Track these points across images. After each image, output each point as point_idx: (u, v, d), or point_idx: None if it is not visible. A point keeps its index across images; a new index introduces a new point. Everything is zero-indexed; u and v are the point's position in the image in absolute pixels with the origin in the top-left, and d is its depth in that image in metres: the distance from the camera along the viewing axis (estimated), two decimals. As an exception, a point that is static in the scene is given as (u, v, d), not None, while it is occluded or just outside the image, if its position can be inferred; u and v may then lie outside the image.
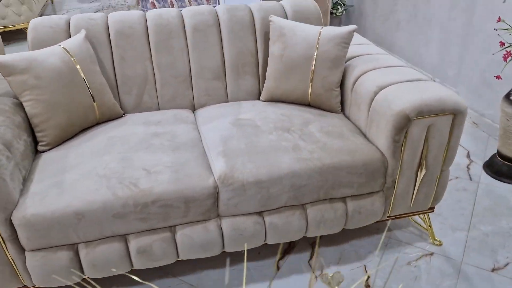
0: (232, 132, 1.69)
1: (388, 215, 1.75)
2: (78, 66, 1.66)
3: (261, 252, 1.84)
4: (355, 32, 1.90)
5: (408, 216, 1.81)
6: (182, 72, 1.93)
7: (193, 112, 1.97)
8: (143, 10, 4.63)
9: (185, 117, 1.86)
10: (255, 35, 1.99)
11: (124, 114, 1.88)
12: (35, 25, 1.79)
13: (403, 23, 3.39)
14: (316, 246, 1.87)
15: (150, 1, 4.67)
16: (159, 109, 1.96)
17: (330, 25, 4.27)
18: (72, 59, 1.66)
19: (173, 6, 4.85)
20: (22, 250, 1.39)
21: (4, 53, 3.48)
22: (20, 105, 1.61)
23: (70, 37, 1.81)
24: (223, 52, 1.97)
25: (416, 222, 1.98)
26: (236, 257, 1.82)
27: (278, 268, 1.77)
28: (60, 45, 1.67)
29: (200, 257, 1.60)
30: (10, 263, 1.39)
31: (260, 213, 1.58)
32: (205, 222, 1.53)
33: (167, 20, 1.90)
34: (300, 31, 1.86)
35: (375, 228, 1.97)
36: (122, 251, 1.47)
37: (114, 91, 1.87)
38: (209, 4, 4.98)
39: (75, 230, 1.38)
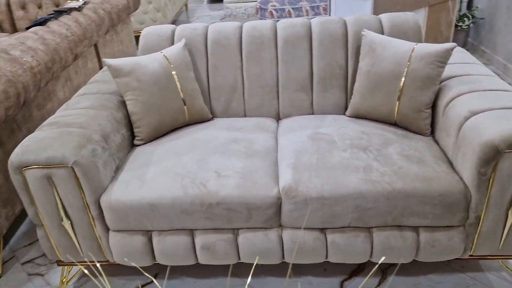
0: (306, 146, 1.70)
1: (471, 254, 1.58)
2: (173, 72, 1.84)
3: (327, 269, 1.81)
4: (465, 50, 1.76)
5: (497, 258, 1.61)
6: (270, 83, 2.00)
7: (277, 121, 2.02)
8: (261, 19, 4.84)
9: (267, 126, 1.92)
10: (346, 48, 1.97)
11: (212, 118, 2.02)
12: (146, 33, 2.03)
13: (537, 39, 2.98)
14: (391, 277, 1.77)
15: (268, 10, 4.87)
16: (245, 116, 2.06)
17: (454, 39, 3.95)
18: (170, 65, 1.84)
19: (290, 16, 4.98)
20: (107, 229, 1.60)
21: (136, 55, 3.97)
22: (123, 103, 1.85)
23: (173, 44, 2.01)
24: (311, 64, 1.98)
25: (507, 268, 1.74)
26: (301, 269, 1.82)
27: (340, 288, 1.73)
28: (161, 52, 1.87)
29: (260, 263, 1.64)
30: (97, 239, 1.61)
31: (322, 230, 1.57)
32: (266, 230, 1.57)
33: (260, 32, 1.99)
34: (391, 46, 1.78)
35: (460, 266, 1.78)
36: (189, 244, 1.59)
37: (206, 97, 2.03)
38: (326, 14, 4.99)
39: (149, 219, 1.54)
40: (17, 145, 2.00)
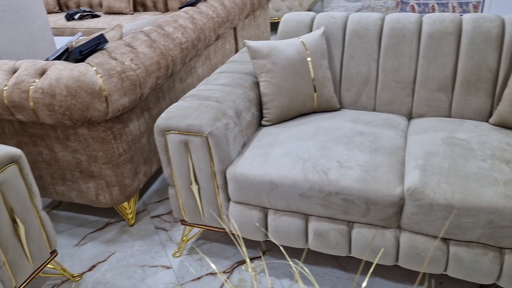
0: (439, 149, 1.59)
1: None
2: (308, 59, 1.86)
3: (442, 283, 1.69)
4: None
5: None
6: (406, 78, 1.90)
7: (408, 120, 1.93)
8: (403, 11, 4.59)
9: (397, 124, 1.84)
10: (501, 50, 1.77)
11: (340, 108, 2.01)
12: (286, 18, 2.09)
13: None
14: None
15: (410, 4, 4.61)
16: (374, 111, 2.00)
17: None
18: (306, 51, 1.87)
19: (433, 11, 4.64)
20: (228, 199, 1.71)
21: (268, 39, 4.10)
22: (257, 84, 1.93)
23: (310, 31, 2.03)
24: (456, 64, 1.83)
25: None
26: (413, 276, 1.73)
27: (454, 307, 1.60)
28: (299, 38, 1.90)
29: (371, 261, 1.60)
30: (218, 207, 1.73)
31: (445, 240, 1.46)
32: (383, 229, 1.52)
33: (403, 25, 1.89)
34: (559, 51, 1.56)
35: None
36: (302, 228, 1.62)
37: (336, 86, 2.01)
38: (476, 11, 4.54)
39: (268, 197, 1.61)
40: (161, 111, 2.23)
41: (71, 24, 4.07)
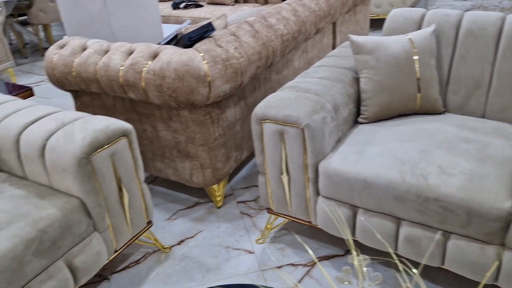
0: (559, 165, 1.43)
1: None
2: (415, 57, 1.78)
3: (545, 313, 1.53)
4: None
5: None
6: (525, 85, 1.73)
7: (522, 130, 1.76)
8: (517, 14, 4.18)
9: (509, 133, 1.69)
10: None
11: (444, 111, 1.89)
12: (393, 14, 2.01)
13: None
14: None
15: (529, 4, 4.17)
16: (483, 117, 1.85)
17: None
18: (413, 49, 1.78)
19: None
20: (317, 193, 1.70)
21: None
22: (357, 80, 1.89)
23: (419, 29, 1.93)
24: None
25: None
26: (509, 301, 1.59)
27: None
28: (407, 35, 1.82)
29: (466, 276, 1.50)
30: (306, 200, 1.73)
31: (557, 266, 1.32)
32: (484, 244, 1.41)
33: (529, 26, 1.72)
34: None
35: None
36: (392, 231, 1.56)
37: (442, 88, 1.90)
38: None
39: (359, 195, 1.57)
40: (256, 100, 2.28)
41: (176, 12, 4.31)
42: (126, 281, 1.84)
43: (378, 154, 1.59)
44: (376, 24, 5.10)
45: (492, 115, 1.83)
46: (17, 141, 1.65)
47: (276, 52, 2.17)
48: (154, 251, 1.99)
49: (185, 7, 4.42)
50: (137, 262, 1.94)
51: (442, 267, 1.54)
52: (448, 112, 1.90)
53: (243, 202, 2.27)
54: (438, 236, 1.47)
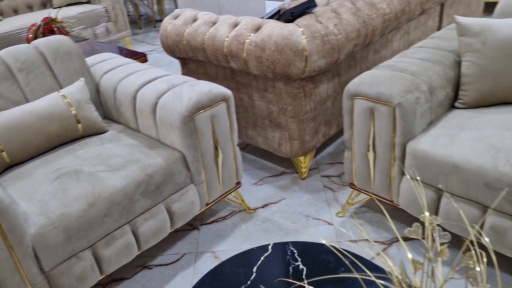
0: None
1: None
2: (528, 42, 1.67)
3: None
4: None
5: None
6: None
7: None
8: None
9: None
10: None
11: (554, 103, 1.76)
12: (509, -4, 1.88)
13: None
14: None
15: None
16: None
17: None
18: (526, 34, 1.67)
19: None
20: (402, 173, 1.71)
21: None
22: (458, 63, 1.83)
23: (537, 13, 1.80)
24: None
25: None
26: None
27: None
28: (521, 19, 1.71)
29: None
30: (390, 178, 1.75)
31: None
32: None
33: None
34: None
35: None
36: (477, 219, 1.53)
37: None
38: None
39: (446, 179, 1.56)
40: (350, 79, 2.31)
41: (279, -10, 4.40)
42: (213, 233, 2.04)
43: (471, 140, 1.55)
44: (491, 8, 4.70)
45: None
46: (134, 98, 1.90)
47: (376, 32, 2.17)
48: (240, 210, 2.16)
49: (289, -15, 4.48)
50: (224, 218, 2.13)
51: (529, 262, 1.48)
52: (560, 104, 1.77)
53: (327, 176, 2.34)
54: (528, 229, 1.41)
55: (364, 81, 1.70)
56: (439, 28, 3.10)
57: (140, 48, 4.81)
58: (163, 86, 1.83)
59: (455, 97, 1.85)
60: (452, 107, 1.84)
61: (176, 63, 4.18)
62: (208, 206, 1.92)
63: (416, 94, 1.62)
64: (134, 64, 2.12)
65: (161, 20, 5.85)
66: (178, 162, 1.74)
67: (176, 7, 6.20)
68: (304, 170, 2.31)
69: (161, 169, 1.69)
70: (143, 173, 1.65)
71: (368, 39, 2.15)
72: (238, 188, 2.02)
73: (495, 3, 4.68)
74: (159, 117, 1.78)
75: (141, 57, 2.79)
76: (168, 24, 2.38)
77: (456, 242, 1.82)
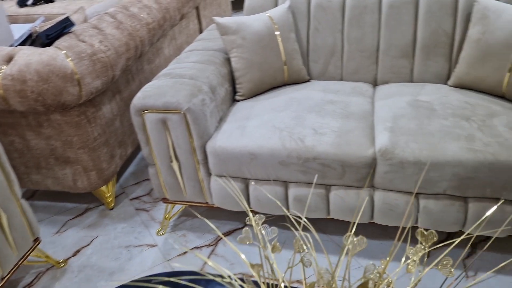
0: (405, 111, 1.70)
1: None
2: (277, 33, 1.91)
3: (413, 236, 1.82)
4: None
5: None
6: (370, 47, 1.99)
7: (373, 87, 2.02)
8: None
9: (364, 91, 1.94)
10: (455, 16, 1.89)
11: (309, 79, 2.08)
12: (252, -6, 2.12)
13: None
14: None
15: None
16: (341, 80, 2.08)
17: None
18: (274, 25, 1.91)
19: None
20: (209, 173, 1.76)
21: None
22: (228, 60, 1.97)
23: (276, 6, 2.07)
24: (415, 31, 1.94)
25: None
26: (385, 231, 1.85)
27: (428, 255, 1.74)
28: (266, 13, 1.94)
29: (348, 220, 1.70)
30: (199, 182, 1.77)
31: (415, 194, 1.58)
32: (358, 189, 1.62)
33: (365, -4, 1.97)
34: (507, 14, 1.68)
35: (558, 249, 1.70)
36: (282, 194, 1.70)
37: (304, 58, 2.08)
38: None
39: (248, 167, 1.67)
40: (131, 93, 2.22)
41: (24, 10, 3.90)
42: (21, 307, 1.70)
43: (258, 126, 1.70)
44: (237, 5, 5.26)
45: (348, 77, 2.07)
46: None
47: (144, 42, 2.14)
48: (48, 269, 1.85)
49: (34, 4, 4.02)
50: (30, 284, 1.79)
51: (328, 217, 1.73)
52: (313, 79, 2.10)
53: (136, 198, 2.22)
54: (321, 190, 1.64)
55: (148, 94, 1.65)
56: (200, 30, 3.28)
57: None
58: None
59: (234, 91, 1.99)
60: (234, 100, 1.98)
61: None
62: (5, 279, 1.57)
63: (200, 96, 1.67)
64: None
65: None
66: None
67: None
68: (110, 199, 2.14)
69: None
70: None
71: (139, 51, 2.10)
72: (37, 245, 1.72)
73: (239, 1, 5.25)
74: None
75: None
76: None
77: (283, 228, 1.99)
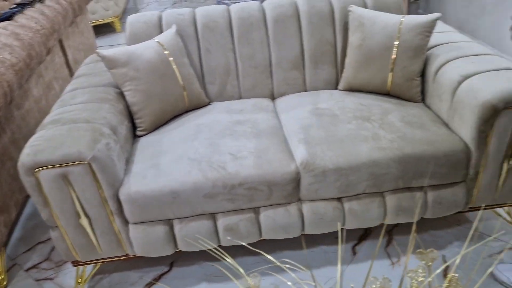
0: (311, 121, 1.76)
1: (470, 206, 1.73)
2: (171, 59, 1.81)
3: (337, 237, 1.90)
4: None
5: (492, 208, 1.77)
6: (262, 63, 2.02)
7: (272, 101, 2.06)
8: (219, 2, 4.78)
9: (265, 106, 1.95)
10: (334, 26, 2.02)
11: (209, 102, 2.02)
12: (132, 21, 1.97)
13: (490, 7, 3.21)
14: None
15: (226, -7, 4.81)
16: (240, 98, 2.07)
17: (409, 11, 4.13)
18: (165, 52, 1.81)
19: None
20: (126, 222, 1.58)
21: (96, 45, 3.80)
22: (122, 94, 1.80)
23: (162, 31, 1.97)
24: (302, 43, 2.02)
25: (500, 216, 1.92)
26: (315, 239, 1.89)
27: (354, 253, 1.82)
28: (154, 40, 1.83)
29: (281, 238, 1.69)
30: (116, 234, 1.58)
31: (339, 199, 1.64)
32: (286, 205, 1.62)
33: (249, 13, 1.99)
34: (380, 20, 1.86)
35: (456, 219, 1.94)
36: (211, 228, 1.61)
37: (200, 81, 2.01)
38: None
39: (170, 208, 1.54)
40: (4, 148, 1.89)
41: None
42: None
43: (173, 162, 1.58)
44: (99, 30, 4.92)
45: (246, 94, 2.06)
46: None
47: (13, 87, 1.83)
48: None
49: None
50: None
51: (262, 239, 1.69)
52: (212, 101, 2.04)
53: (33, 267, 1.90)
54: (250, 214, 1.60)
55: (39, 149, 1.41)
56: (67, 62, 2.97)
57: None
58: None
59: (134, 127, 1.83)
60: (135, 136, 1.82)
61: None
62: None
63: (104, 140, 1.49)
64: None
65: None
66: None
67: None
68: (2, 276, 1.78)
69: None
70: None
71: (9, 97, 1.80)
72: None
73: (100, 26, 4.90)
74: None
75: None
76: None
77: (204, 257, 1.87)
